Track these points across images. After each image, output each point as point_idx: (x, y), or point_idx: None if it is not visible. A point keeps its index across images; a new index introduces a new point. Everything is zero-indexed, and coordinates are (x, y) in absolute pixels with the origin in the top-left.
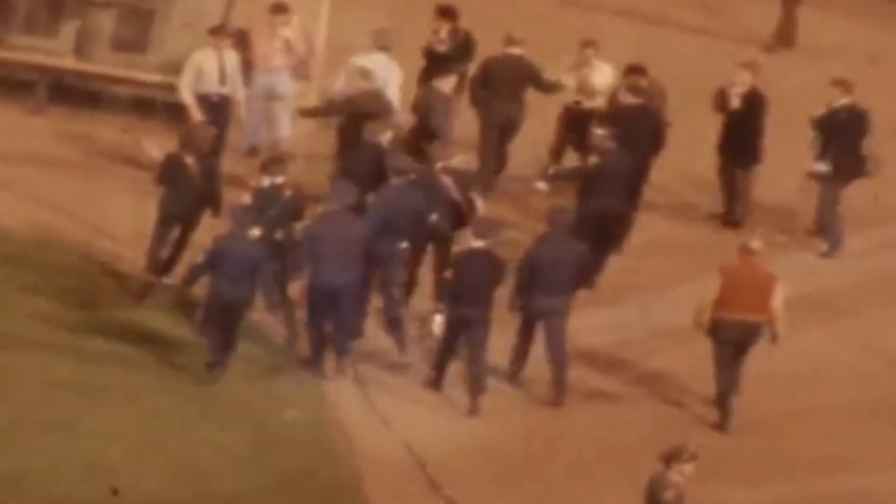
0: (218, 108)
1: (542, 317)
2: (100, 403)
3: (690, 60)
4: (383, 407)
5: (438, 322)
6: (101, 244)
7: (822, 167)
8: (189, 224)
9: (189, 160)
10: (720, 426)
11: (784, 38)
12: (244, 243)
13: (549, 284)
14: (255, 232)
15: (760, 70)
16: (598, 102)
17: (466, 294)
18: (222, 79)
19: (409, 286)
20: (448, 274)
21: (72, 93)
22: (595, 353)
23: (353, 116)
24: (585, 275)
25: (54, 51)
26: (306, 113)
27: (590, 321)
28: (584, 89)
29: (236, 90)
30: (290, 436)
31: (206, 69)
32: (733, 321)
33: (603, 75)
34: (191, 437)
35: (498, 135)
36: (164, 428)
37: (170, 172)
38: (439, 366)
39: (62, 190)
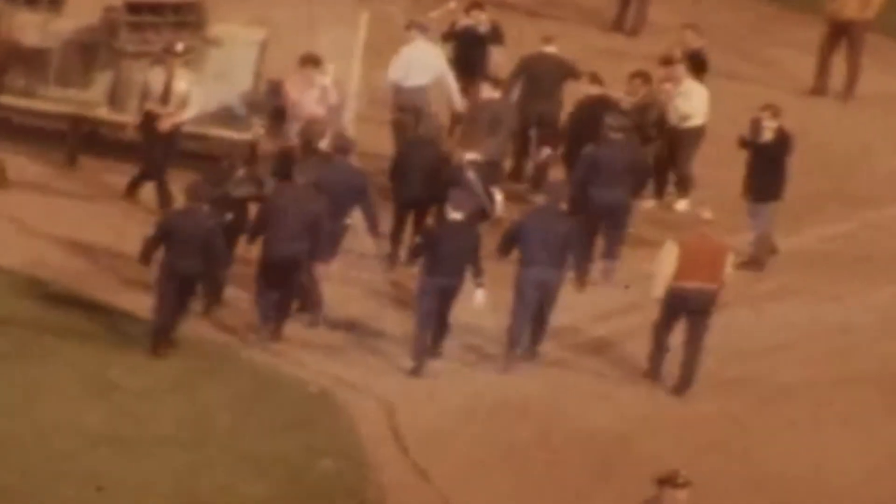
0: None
1: (535, 287)
2: (134, 456)
3: (722, 105)
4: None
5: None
6: (129, 293)
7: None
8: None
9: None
10: (678, 390)
11: (819, 86)
12: (195, 217)
13: (541, 255)
14: (205, 207)
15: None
16: (695, 123)
17: (444, 264)
18: (166, 98)
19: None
20: (419, 240)
21: (105, 143)
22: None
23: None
24: (574, 250)
25: (87, 101)
26: None
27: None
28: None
29: (185, 111)
30: (326, 486)
31: (153, 88)
32: (690, 289)
33: (701, 97)
34: (226, 489)
35: (529, 131)
36: (199, 480)
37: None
38: (420, 337)
39: (94, 238)
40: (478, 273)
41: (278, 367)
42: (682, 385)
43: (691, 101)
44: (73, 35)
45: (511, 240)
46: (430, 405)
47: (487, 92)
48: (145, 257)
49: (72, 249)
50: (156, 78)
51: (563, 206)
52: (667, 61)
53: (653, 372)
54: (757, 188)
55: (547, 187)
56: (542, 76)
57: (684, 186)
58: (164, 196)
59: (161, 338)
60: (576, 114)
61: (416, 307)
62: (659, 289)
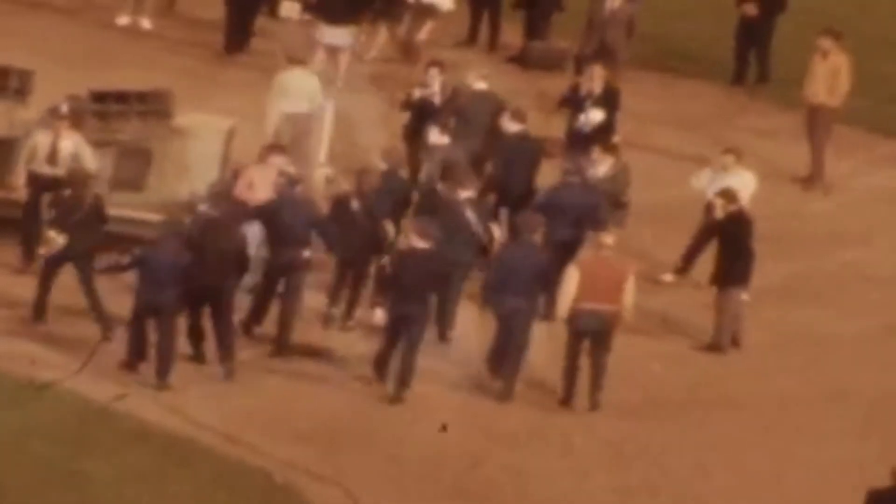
0: (49, 188)
1: (508, 316)
2: None
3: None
4: None
5: (379, 315)
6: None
7: None
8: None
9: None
10: (564, 402)
11: (812, 177)
12: (167, 250)
13: (514, 285)
14: (60, 240)
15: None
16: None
17: (407, 292)
18: (52, 159)
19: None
20: (387, 269)
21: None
22: None
23: None
24: (548, 282)
25: None
26: None
27: None
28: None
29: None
30: None
31: (39, 149)
32: (588, 311)
33: (744, 183)
34: None
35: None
36: None
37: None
38: (380, 363)
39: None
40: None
41: (244, 458)
42: (591, 407)
43: (739, 188)
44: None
45: (490, 272)
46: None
47: (435, 137)
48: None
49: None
50: (43, 140)
51: (537, 238)
52: (737, 154)
53: (564, 393)
54: (717, 272)
55: (521, 221)
56: (475, 114)
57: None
58: (27, 253)
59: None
60: (501, 151)
61: (383, 337)
62: (562, 310)
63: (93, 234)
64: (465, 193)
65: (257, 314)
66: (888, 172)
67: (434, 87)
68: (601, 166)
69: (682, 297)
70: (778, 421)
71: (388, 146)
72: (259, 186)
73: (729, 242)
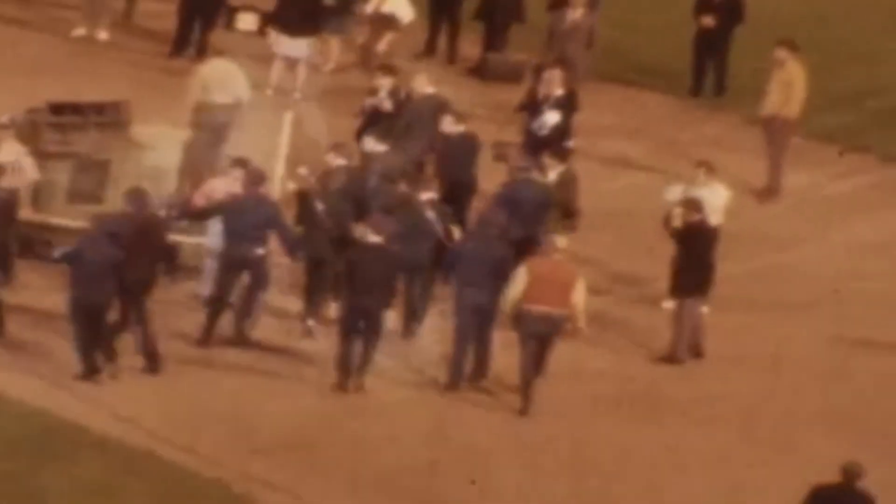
0: None
1: (472, 311)
2: None
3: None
4: None
5: (334, 308)
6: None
7: None
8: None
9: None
10: (523, 412)
11: (769, 189)
12: (100, 247)
13: (475, 280)
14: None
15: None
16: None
17: (363, 286)
18: None
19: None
20: (342, 267)
21: (31, 245)
22: None
23: None
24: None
25: None
26: None
27: None
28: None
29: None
30: None
31: None
32: (536, 313)
33: (717, 196)
34: None
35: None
36: None
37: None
38: (342, 355)
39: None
40: (391, 296)
41: (200, 468)
42: (525, 406)
43: (711, 200)
44: None
45: (450, 265)
46: None
47: (371, 145)
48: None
49: None
50: None
51: (497, 232)
52: (709, 167)
53: (522, 394)
54: (674, 283)
55: (482, 216)
56: (419, 117)
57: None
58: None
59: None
60: (445, 151)
61: (340, 331)
62: (507, 308)
63: None
64: (427, 195)
65: (213, 315)
66: (845, 182)
67: (381, 93)
68: (551, 172)
69: (641, 307)
70: (738, 431)
71: (337, 142)
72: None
73: (687, 253)
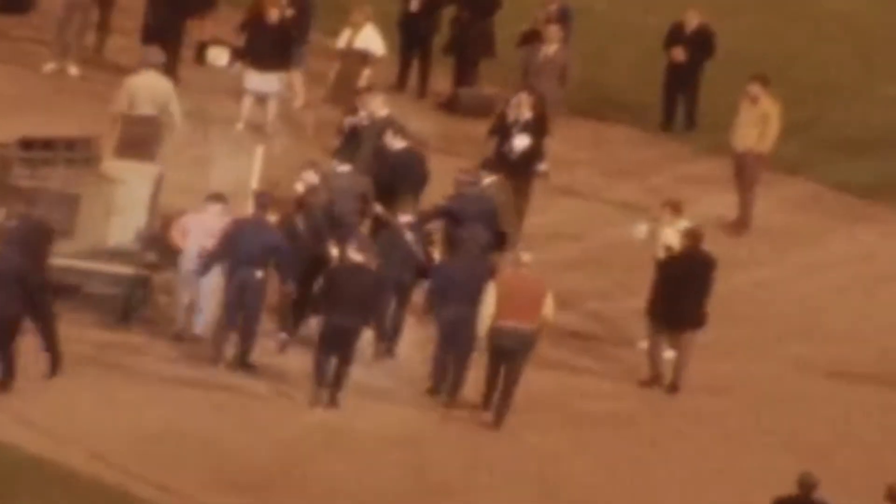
0: None
1: (452, 325)
2: None
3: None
4: None
5: (313, 325)
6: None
7: None
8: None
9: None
10: (495, 424)
11: (740, 222)
12: (10, 260)
13: (456, 296)
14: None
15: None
16: None
17: (342, 304)
18: None
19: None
20: (319, 285)
21: None
22: None
23: None
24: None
25: None
26: None
27: None
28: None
29: None
30: None
31: None
32: (505, 328)
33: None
34: None
35: None
36: None
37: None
38: (317, 372)
39: None
40: (372, 316)
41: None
42: (497, 420)
43: (675, 239)
44: None
45: (435, 285)
46: None
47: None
48: None
49: None
50: None
51: (479, 249)
52: (675, 207)
53: (484, 407)
54: (687, 313)
55: (466, 233)
56: (368, 136)
57: None
58: None
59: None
60: (387, 166)
61: (317, 347)
62: (482, 327)
63: None
64: (405, 217)
65: (220, 339)
66: (812, 215)
67: (362, 113)
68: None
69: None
70: (713, 458)
71: (312, 159)
72: (194, 234)
73: (698, 282)
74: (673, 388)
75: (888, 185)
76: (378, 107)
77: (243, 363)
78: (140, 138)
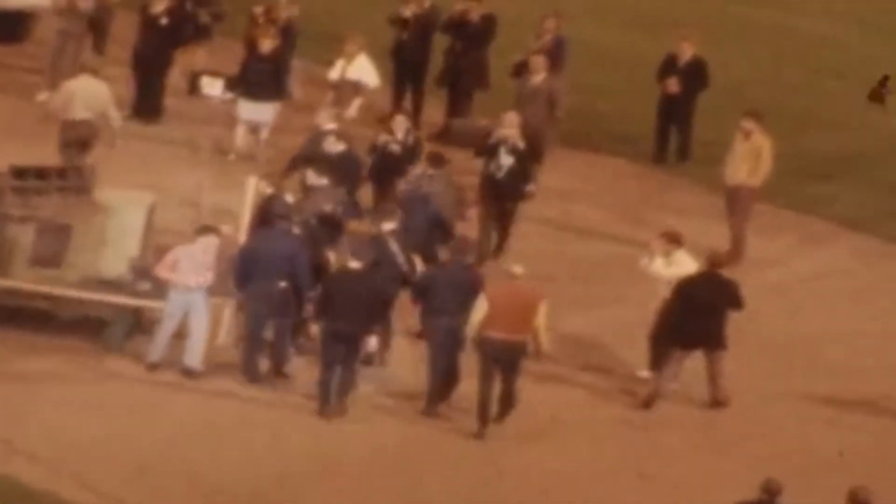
0: None
1: (440, 334)
2: None
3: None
4: None
5: (315, 330)
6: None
7: None
8: None
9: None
10: (479, 435)
11: (734, 254)
12: None
13: (446, 307)
14: None
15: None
16: None
17: (341, 310)
18: None
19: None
20: (318, 291)
21: None
22: None
23: None
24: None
25: None
26: None
27: None
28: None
29: None
30: None
31: None
32: (495, 340)
33: (679, 264)
34: None
35: None
36: None
37: None
38: (323, 381)
39: None
40: (374, 322)
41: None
42: (480, 432)
43: (680, 271)
44: None
45: (422, 290)
46: None
47: (313, 178)
48: None
49: None
50: None
51: (469, 259)
52: (672, 238)
53: (479, 419)
54: (718, 334)
55: (453, 243)
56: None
57: None
58: None
59: None
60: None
61: (321, 356)
62: (470, 334)
63: None
64: (389, 226)
65: (252, 353)
66: (808, 249)
67: (398, 134)
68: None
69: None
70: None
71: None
72: (184, 266)
73: (726, 303)
74: (719, 402)
75: None
76: (324, 121)
77: (278, 373)
78: (78, 140)
